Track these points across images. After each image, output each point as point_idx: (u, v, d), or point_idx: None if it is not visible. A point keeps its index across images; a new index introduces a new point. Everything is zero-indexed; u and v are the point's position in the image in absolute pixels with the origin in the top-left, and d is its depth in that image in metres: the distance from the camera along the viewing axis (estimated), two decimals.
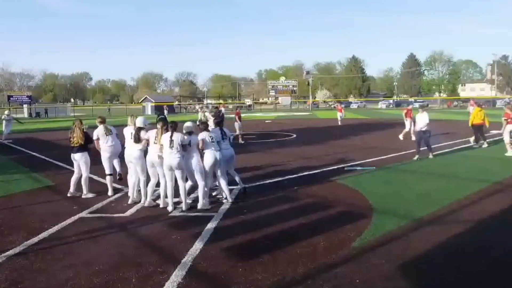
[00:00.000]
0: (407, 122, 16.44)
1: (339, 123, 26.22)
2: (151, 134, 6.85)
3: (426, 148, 11.51)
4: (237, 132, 16.99)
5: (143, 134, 6.95)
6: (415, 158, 11.17)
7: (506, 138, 12.06)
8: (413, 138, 15.47)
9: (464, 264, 4.40)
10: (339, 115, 27.09)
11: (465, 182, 8.38)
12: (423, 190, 7.65)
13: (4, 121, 20.12)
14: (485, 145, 13.63)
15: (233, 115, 18.46)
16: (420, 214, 6.08)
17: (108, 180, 7.82)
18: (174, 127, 6.59)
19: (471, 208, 6.45)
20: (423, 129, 11.33)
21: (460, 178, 8.75)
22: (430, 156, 11.39)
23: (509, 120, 12.06)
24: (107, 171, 7.80)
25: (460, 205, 6.59)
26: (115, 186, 8.07)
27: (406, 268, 4.29)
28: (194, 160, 6.71)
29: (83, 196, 7.63)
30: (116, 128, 8.05)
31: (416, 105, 18.55)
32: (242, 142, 16.58)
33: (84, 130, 7.75)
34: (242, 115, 32.54)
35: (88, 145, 7.78)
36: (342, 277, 4.08)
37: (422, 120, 11.38)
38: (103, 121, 7.93)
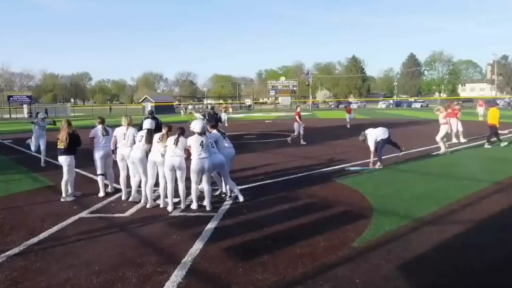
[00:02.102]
0: (454, 122, 14.77)
1: (348, 125, 23.68)
2: (155, 136, 6.88)
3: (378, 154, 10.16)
4: (295, 133, 16.17)
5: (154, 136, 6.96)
6: (377, 166, 9.98)
7: (439, 137, 12.35)
8: (455, 139, 14.89)
9: (464, 264, 4.40)
10: (348, 116, 24.41)
11: (465, 182, 8.37)
12: (423, 190, 7.65)
13: (35, 127, 12.17)
14: (488, 146, 13.53)
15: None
16: (420, 214, 6.08)
17: (99, 180, 7.78)
18: (182, 132, 6.66)
19: (471, 208, 6.45)
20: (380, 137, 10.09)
21: (460, 178, 8.75)
22: (371, 165, 10.04)
23: (449, 119, 12.50)
24: (99, 171, 7.79)
25: (460, 205, 6.59)
26: (115, 186, 8.07)
27: (406, 268, 4.29)
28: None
29: (61, 200, 7.43)
30: (113, 128, 8.02)
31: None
32: (304, 143, 15.72)
33: (72, 132, 7.56)
34: (242, 115, 32.41)
35: (75, 148, 7.60)
36: (342, 277, 4.08)
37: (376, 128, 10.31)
38: (102, 122, 7.98)
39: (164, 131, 6.77)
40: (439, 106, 13.73)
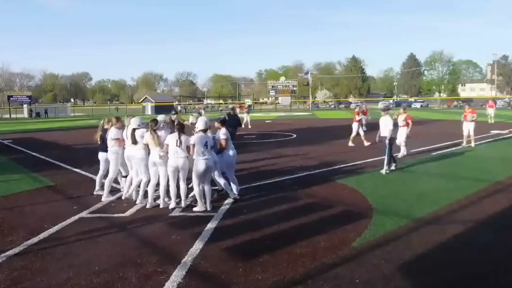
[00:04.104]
0: (465, 126, 14.10)
1: (364, 128, 22.05)
2: (148, 137, 6.80)
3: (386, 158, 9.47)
4: (356, 133, 15.04)
5: (138, 135, 6.90)
6: (383, 171, 9.37)
7: (401, 140, 11.71)
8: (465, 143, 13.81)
9: (464, 264, 4.40)
10: (364, 118, 21.18)
11: (465, 182, 8.38)
12: (423, 190, 7.65)
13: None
14: None
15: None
16: (420, 214, 6.08)
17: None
18: (181, 128, 6.59)
19: (471, 208, 6.45)
20: (387, 136, 9.45)
21: (460, 178, 8.75)
22: (383, 171, 9.35)
23: (410, 122, 11.88)
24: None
25: (460, 205, 6.59)
26: (114, 186, 8.06)
27: (406, 268, 4.29)
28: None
29: (94, 193, 7.79)
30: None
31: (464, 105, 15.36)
32: (368, 143, 14.38)
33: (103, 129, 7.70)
34: (242, 115, 32.16)
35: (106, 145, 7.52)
36: (342, 277, 4.08)
37: (385, 125, 9.59)
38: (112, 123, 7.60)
39: (149, 129, 6.73)
40: (400, 109, 12.83)
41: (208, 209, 6.55)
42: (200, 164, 6.46)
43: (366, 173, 9.50)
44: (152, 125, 6.77)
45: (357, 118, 15.34)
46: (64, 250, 5.01)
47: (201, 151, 6.44)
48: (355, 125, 15.25)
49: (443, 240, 5.06)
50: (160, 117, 7.45)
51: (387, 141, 9.47)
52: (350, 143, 14.89)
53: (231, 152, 7.20)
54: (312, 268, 4.31)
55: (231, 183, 7.27)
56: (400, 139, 11.75)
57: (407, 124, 11.75)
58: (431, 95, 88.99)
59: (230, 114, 14.60)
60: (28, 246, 5.15)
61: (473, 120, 13.91)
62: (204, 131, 6.59)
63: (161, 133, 6.97)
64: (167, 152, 6.57)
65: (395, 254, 4.64)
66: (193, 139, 6.48)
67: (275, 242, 5.10)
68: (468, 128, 13.94)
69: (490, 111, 25.42)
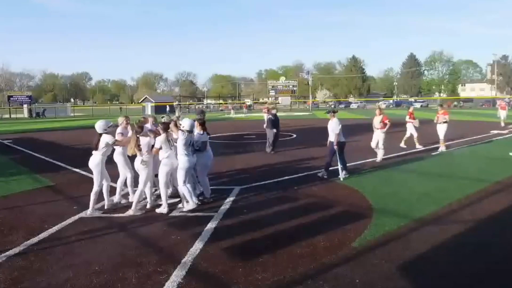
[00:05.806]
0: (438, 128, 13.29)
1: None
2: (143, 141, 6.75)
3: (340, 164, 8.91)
4: (410, 134, 14.08)
5: (104, 141, 6.49)
6: (320, 174, 9.10)
7: (379, 143, 11.18)
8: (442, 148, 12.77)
9: (464, 264, 4.40)
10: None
11: (465, 182, 8.37)
12: (423, 190, 7.65)
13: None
14: None
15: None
16: (420, 214, 6.08)
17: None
18: (166, 127, 6.57)
19: (471, 208, 6.45)
20: (334, 141, 8.85)
21: (460, 178, 8.75)
22: (340, 176, 8.75)
23: (388, 122, 11.19)
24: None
25: (460, 205, 6.59)
26: (112, 185, 8.03)
27: (406, 268, 4.29)
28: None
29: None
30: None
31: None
32: (420, 147, 13.53)
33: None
34: (242, 115, 32.05)
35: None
36: (342, 277, 4.08)
37: (332, 129, 8.95)
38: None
39: (133, 133, 6.63)
40: (376, 110, 12.16)
41: (197, 202, 6.58)
42: (187, 161, 6.51)
43: (366, 173, 9.50)
44: (139, 131, 6.65)
45: (408, 118, 14.23)
46: (64, 250, 5.02)
47: (187, 150, 6.53)
48: (409, 126, 14.18)
49: (443, 240, 5.06)
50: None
51: (335, 147, 8.82)
52: (402, 144, 13.92)
53: (208, 154, 7.22)
54: (312, 268, 4.31)
55: (202, 186, 7.22)
56: (375, 142, 11.25)
57: (384, 126, 11.20)
58: (431, 95, 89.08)
59: (274, 114, 14.77)
60: (28, 246, 5.15)
61: (445, 122, 12.96)
62: (190, 132, 6.62)
63: (146, 138, 6.67)
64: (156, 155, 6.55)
65: (395, 254, 4.64)
66: (180, 140, 6.48)
67: (275, 242, 5.09)
68: (440, 130, 13.06)
69: (502, 113, 23.26)
